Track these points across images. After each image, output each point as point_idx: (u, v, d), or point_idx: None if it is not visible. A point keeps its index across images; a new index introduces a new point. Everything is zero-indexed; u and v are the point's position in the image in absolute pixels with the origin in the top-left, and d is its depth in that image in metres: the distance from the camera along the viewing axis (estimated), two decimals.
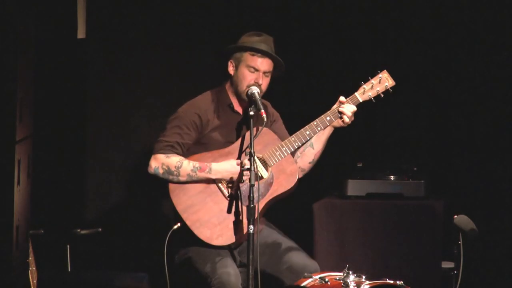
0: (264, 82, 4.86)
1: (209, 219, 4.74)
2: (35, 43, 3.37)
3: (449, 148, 6.17)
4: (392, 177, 5.68)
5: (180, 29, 6.19)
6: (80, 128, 6.13)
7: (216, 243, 4.73)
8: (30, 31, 3.27)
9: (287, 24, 6.24)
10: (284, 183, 4.81)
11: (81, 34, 5.96)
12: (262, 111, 4.67)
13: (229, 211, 4.76)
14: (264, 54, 4.85)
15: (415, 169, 5.76)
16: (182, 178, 4.76)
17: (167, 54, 6.17)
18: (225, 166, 4.77)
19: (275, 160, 4.81)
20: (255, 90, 4.80)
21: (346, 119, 4.82)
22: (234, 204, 4.76)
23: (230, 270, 4.66)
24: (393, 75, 4.93)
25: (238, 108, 4.95)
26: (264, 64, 4.86)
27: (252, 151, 4.57)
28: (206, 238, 4.73)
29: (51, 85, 5.97)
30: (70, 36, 5.97)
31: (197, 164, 4.76)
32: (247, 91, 4.83)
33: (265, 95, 4.93)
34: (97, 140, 6.13)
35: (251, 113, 4.67)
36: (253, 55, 4.86)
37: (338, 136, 5.06)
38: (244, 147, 4.81)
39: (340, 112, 4.82)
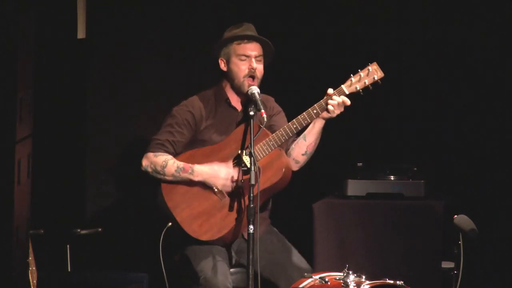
0: (258, 67, 4.87)
1: (198, 215, 4.77)
2: (35, 43, 3.37)
3: (449, 148, 6.17)
4: (392, 177, 5.68)
5: (180, 29, 6.19)
6: (80, 128, 6.13)
7: (204, 239, 4.76)
8: (30, 31, 3.27)
9: (282, 19, 6.24)
10: (270, 177, 4.80)
11: (81, 34, 5.96)
12: (263, 111, 4.67)
13: (218, 207, 4.78)
14: (249, 38, 4.87)
15: (415, 169, 5.75)
16: (167, 178, 4.81)
17: (167, 54, 6.17)
18: (206, 169, 4.78)
19: (262, 155, 4.80)
20: (255, 90, 4.81)
21: (331, 108, 4.79)
22: (224, 200, 4.78)
23: (219, 270, 4.68)
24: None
25: (235, 103, 4.96)
26: (253, 48, 4.88)
27: (252, 151, 4.58)
28: (194, 234, 4.76)
29: (51, 85, 5.97)
30: (70, 36, 5.97)
31: (181, 164, 4.80)
32: (248, 91, 4.83)
33: (265, 91, 4.94)
34: (97, 140, 6.13)
35: (251, 113, 4.67)
36: (239, 43, 4.88)
37: (338, 136, 5.07)
38: (235, 142, 4.82)
39: (327, 104, 4.81)
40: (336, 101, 4.78)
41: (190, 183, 4.81)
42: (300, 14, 6.27)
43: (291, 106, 5.18)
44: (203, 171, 4.80)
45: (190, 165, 4.80)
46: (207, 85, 5.07)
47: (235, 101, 4.96)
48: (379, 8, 6.21)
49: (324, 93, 4.87)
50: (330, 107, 4.78)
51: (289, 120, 4.94)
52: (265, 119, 4.67)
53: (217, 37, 5.00)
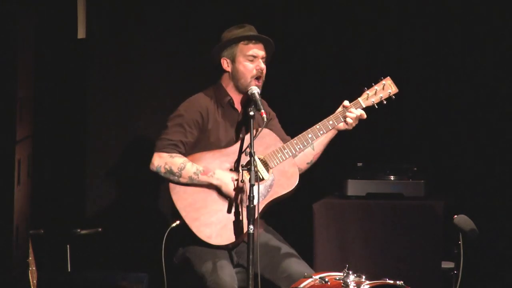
0: (264, 67, 4.87)
1: (208, 218, 4.74)
2: (35, 43, 3.37)
3: (449, 148, 6.17)
4: (392, 177, 5.68)
5: (180, 28, 6.19)
6: (80, 128, 6.13)
7: (214, 243, 4.73)
8: (30, 31, 3.27)
9: (291, 28, 6.24)
10: (284, 185, 4.80)
11: (81, 34, 5.96)
12: (263, 111, 4.66)
13: (229, 211, 4.76)
14: (257, 38, 4.86)
15: (415, 169, 5.76)
16: (183, 180, 4.75)
17: (167, 53, 6.18)
18: (227, 176, 4.75)
19: (276, 162, 4.80)
20: (255, 90, 4.80)
21: (350, 121, 4.82)
22: (234, 204, 4.76)
23: (225, 271, 4.66)
24: (393, 74, 4.92)
25: (237, 105, 4.95)
26: (260, 49, 4.88)
27: (252, 151, 4.57)
28: (205, 237, 4.73)
29: (51, 85, 5.97)
30: (70, 36, 5.97)
31: (200, 167, 4.75)
32: (248, 91, 4.82)
33: (265, 96, 4.94)
34: (97, 140, 6.14)
35: (251, 113, 4.66)
36: (246, 43, 4.87)
37: (338, 136, 5.05)
38: (245, 147, 4.80)
39: (345, 116, 4.82)
40: (355, 114, 4.81)
41: (201, 186, 4.78)
42: (298, 16, 6.28)
43: (287, 109, 5.19)
44: (224, 176, 4.76)
45: (210, 168, 4.78)
46: (207, 85, 5.06)
47: (236, 102, 4.95)
48: (379, 8, 6.22)
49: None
50: (349, 120, 4.81)
51: (288, 123, 4.94)
52: (265, 119, 4.67)
53: (217, 37, 4.99)
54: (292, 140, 4.83)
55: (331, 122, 4.83)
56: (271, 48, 4.93)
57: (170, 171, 4.75)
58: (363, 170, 5.76)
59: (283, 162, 4.81)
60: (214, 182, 4.74)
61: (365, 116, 4.85)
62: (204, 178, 4.74)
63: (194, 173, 4.74)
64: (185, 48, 6.18)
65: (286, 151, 4.81)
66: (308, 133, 4.82)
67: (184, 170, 4.74)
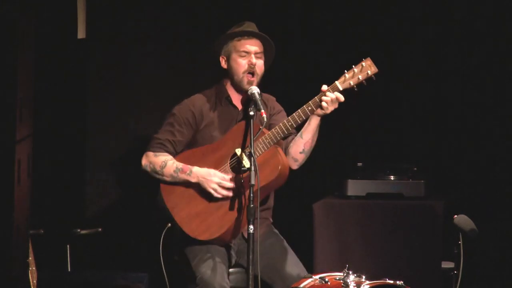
0: (258, 63, 4.86)
1: (196, 214, 4.77)
2: (35, 43, 3.37)
3: (449, 148, 6.17)
4: (392, 177, 5.68)
5: (180, 29, 6.19)
6: (80, 128, 6.13)
7: (202, 238, 4.75)
8: (30, 31, 3.27)
9: (291, 27, 6.24)
10: (267, 175, 4.76)
11: (81, 34, 5.96)
12: (262, 111, 4.65)
13: (215, 206, 4.78)
14: (249, 34, 4.87)
15: (415, 169, 5.75)
16: (166, 178, 4.81)
17: (167, 54, 6.18)
18: (202, 172, 4.77)
19: (259, 153, 4.78)
20: (255, 90, 4.80)
21: (325, 104, 4.74)
22: (221, 199, 4.77)
23: (216, 270, 4.67)
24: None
25: (236, 102, 4.95)
26: (252, 44, 4.87)
27: (252, 151, 4.57)
28: (192, 233, 4.76)
29: (51, 85, 5.97)
30: (70, 36, 5.97)
31: (180, 165, 4.80)
32: (248, 91, 4.82)
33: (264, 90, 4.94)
34: (97, 139, 6.14)
35: (251, 113, 4.66)
36: (239, 40, 4.88)
37: (338, 136, 5.06)
38: (233, 140, 4.81)
39: (321, 101, 4.76)
40: (330, 97, 4.72)
41: (188, 183, 4.81)
42: (297, 12, 6.28)
43: (290, 105, 5.18)
44: (199, 172, 4.79)
45: (189, 166, 4.80)
46: (207, 84, 5.07)
47: (236, 99, 4.96)
48: (379, 8, 6.22)
49: (314, 90, 4.84)
50: (323, 103, 4.72)
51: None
52: (265, 119, 4.66)
53: (218, 36, 5.00)
54: (273, 129, 4.78)
55: (309, 108, 4.75)
56: (269, 44, 4.92)
57: (154, 170, 4.83)
58: (363, 170, 5.76)
59: (265, 152, 4.77)
60: (192, 180, 4.77)
61: (342, 99, 4.72)
62: (183, 176, 4.79)
63: (174, 171, 4.79)
64: (185, 48, 6.18)
65: (268, 141, 4.77)
66: (288, 121, 4.78)
67: (165, 168, 4.80)
